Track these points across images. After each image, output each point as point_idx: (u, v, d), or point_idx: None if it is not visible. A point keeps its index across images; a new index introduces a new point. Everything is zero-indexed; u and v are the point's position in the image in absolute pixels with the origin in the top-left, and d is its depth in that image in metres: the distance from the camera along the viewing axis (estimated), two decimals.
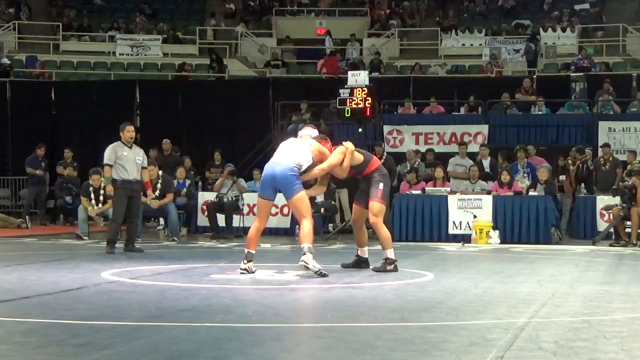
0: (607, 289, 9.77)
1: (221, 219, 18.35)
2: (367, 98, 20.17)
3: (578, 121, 22.62)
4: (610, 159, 19.52)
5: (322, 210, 18.71)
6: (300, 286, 9.75)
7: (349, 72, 21.67)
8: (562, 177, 19.62)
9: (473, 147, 21.16)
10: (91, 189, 17.57)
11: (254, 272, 10.71)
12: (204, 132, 25.83)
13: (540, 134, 22.41)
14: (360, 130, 21.07)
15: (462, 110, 24.29)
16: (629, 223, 16.93)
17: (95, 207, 17.55)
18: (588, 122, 22.33)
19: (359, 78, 20.59)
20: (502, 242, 16.96)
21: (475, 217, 17.42)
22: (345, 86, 20.60)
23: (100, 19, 34.11)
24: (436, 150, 21.25)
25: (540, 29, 31.18)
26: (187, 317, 7.37)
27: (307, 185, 11.50)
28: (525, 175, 18.89)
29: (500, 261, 13.56)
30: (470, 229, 17.39)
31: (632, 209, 16.69)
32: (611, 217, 17.40)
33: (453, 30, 32.17)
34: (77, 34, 32.90)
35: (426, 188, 18.29)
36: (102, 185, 16.28)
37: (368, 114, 20.38)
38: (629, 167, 18.85)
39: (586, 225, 18.43)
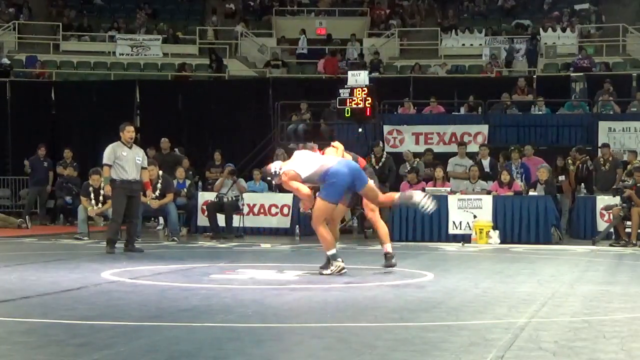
0: (607, 289, 9.76)
1: (221, 219, 18.36)
2: (367, 98, 20.19)
3: (578, 121, 22.63)
4: (610, 159, 19.52)
5: None
6: (300, 286, 9.74)
7: (349, 72, 21.69)
8: (561, 178, 19.62)
9: (473, 147, 21.16)
10: (91, 189, 17.55)
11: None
12: (204, 132, 25.83)
13: (540, 134, 22.42)
14: (360, 130, 21.10)
15: (462, 110, 24.31)
16: (629, 223, 16.94)
17: (95, 207, 17.54)
18: (588, 122, 22.34)
19: (359, 78, 20.61)
20: (502, 242, 16.96)
21: (475, 217, 17.41)
22: (345, 86, 20.62)
23: (100, 19, 34.12)
24: (436, 151, 21.26)
25: (540, 29, 31.19)
26: (187, 317, 7.36)
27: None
28: (518, 175, 18.90)
29: (500, 261, 13.56)
30: (470, 229, 17.38)
31: (632, 209, 16.69)
32: (611, 217, 17.41)
33: (453, 30, 32.18)
34: (77, 34, 32.91)
35: (426, 188, 18.28)
36: (102, 185, 16.28)
37: (368, 114, 20.40)
38: (629, 167, 18.85)
39: (586, 225, 18.43)
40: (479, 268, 12.38)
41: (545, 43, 30.49)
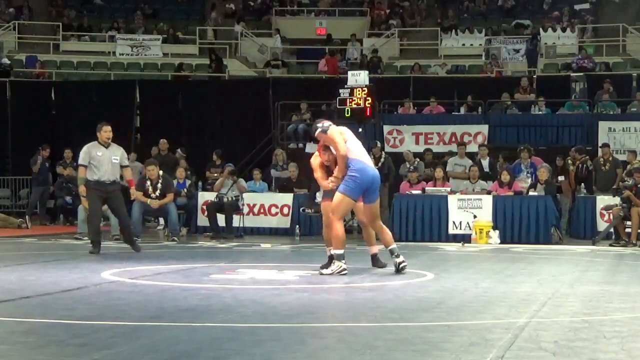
0: (607, 289, 9.77)
1: (221, 219, 18.35)
2: (367, 98, 20.18)
3: (578, 121, 22.63)
4: (610, 159, 19.51)
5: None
6: (300, 286, 9.75)
7: (349, 72, 21.69)
8: (561, 178, 19.61)
9: (473, 147, 21.16)
10: None
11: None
12: (204, 132, 25.82)
13: (540, 134, 22.43)
14: (360, 130, 21.06)
15: (462, 110, 24.30)
16: (629, 223, 16.94)
17: None
18: (588, 122, 22.34)
19: (359, 78, 20.60)
20: (502, 242, 16.96)
21: (475, 217, 17.41)
22: (345, 86, 20.61)
23: (100, 19, 34.12)
24: (436, 151, 21.25)
25: (540, 29, 31.18)
26: (187, 317, 7.37)
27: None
28: (529, 175, 18.89)
29: (500, 261, 13.56)
30: (470, 229, 17.38)
31: (632, 209, 16.69)
32: (611, 217, 17.41)
33: (453, 30, 32.17)
34: (77, 34, 32.90)
35: (426, 188, 18.30)
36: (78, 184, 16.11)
37: (368, 114, 20.39)
38: (629, 166, 18.85)
39: (586, 225, 18.43)
40: (479, 268, 12.38)
41: (545, 43, 30.49)
